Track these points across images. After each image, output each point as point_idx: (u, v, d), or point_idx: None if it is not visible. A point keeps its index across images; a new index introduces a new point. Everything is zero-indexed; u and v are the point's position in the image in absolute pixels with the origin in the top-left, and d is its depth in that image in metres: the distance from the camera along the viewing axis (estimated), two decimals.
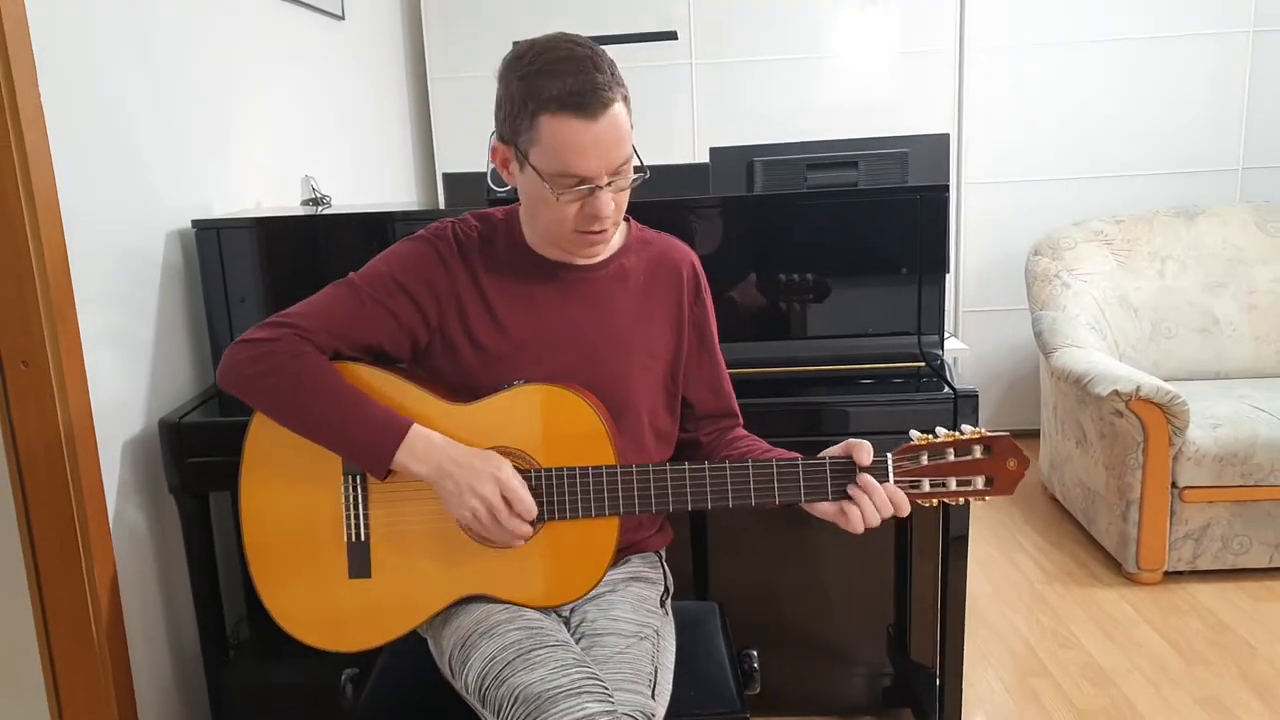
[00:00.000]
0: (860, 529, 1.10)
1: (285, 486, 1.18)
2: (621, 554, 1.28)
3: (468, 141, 3.18)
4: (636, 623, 1.20)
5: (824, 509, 1.13)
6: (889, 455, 1.11)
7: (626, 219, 1.26)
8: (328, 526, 1.17)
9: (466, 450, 1.11)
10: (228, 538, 1.71)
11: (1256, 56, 3.19)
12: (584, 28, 1.24)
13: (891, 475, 1.11)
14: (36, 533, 1.40)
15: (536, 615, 1.16)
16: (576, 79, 1.05)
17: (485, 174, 1.81)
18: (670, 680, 1.19)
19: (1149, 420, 2.31)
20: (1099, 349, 2.67)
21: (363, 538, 1.17)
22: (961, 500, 1.13)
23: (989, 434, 1.12)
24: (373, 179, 2.87)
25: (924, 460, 1.12)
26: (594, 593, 1.22)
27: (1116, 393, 2.31)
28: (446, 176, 2.82)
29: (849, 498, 1.10)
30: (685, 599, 1.48)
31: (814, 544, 1.81)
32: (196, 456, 1.53)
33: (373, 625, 1.18)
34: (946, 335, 1.77)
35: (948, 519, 1.60)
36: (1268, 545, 2.38)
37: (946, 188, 1.69)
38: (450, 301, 1.20)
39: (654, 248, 1.26)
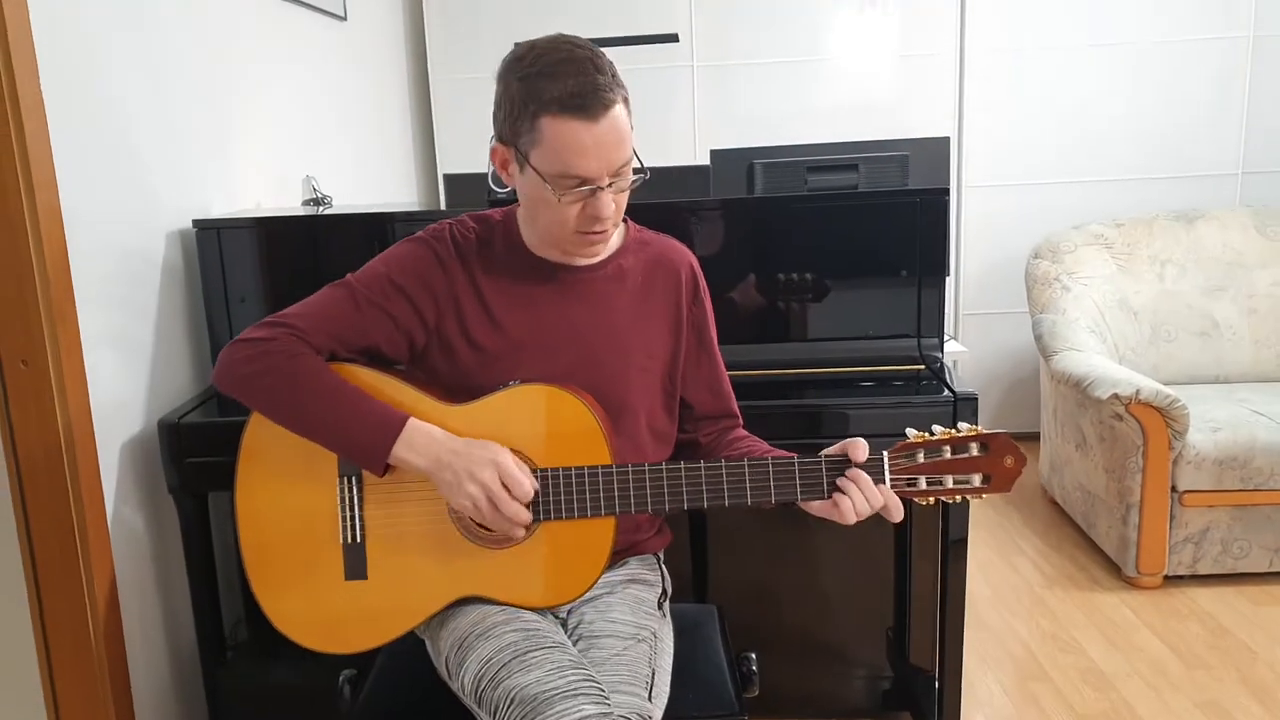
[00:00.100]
0: (851, 519, 1.10)
1: (281, 488, 1.18)
2: (619, 556, 1.28)
3: (469, 142, 3.19)
4: (634, 625, 1.20)
5: (818, 504, 1.13)
6: (885, 453, 1.11)
7: (625, 220, 1.26)
8: (324, 528, 1.17)
9: (465, 441, 1.11)
10: (226, 538, 1.70)
11: (1256, 61, 3.20)
12: (585, 30, 1.25)
13: (887, 473, 1.11)
14: (35, 532, 1.39)
15: (533, 617, 1.15)
16: (578, 80, 1.06)
17: (486, 175, 1.82)
18: (668, 683, 1.19)
19: (1149, 424, 2.31)
20: (1099, 352, 2.67)
21: (358, 539, 1.17)
22: (958, 498, 1.13)
23: (985, 432, 1.12)
24: (374, 179, 2.88)
25: (920, 458, 1.12)
26: (591, 594, 1.22)
27: (1116, 396, 2.31)
28: (447, 177, 2.82)
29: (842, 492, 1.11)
30: (684, 601, 1.48)
31: (813, 546, 1.81)
32: (195, 457, 1.53)
33: (369, 627, 1.18)
34: (946, 338, 1.77)
35: (947, 521, 1.60)
36: (1267, 549, 2.38)
37: (946, 191, 1.69)
38: (448, 303, 1.20)
39: (652, 248, 1.27)
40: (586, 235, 1.14)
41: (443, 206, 2.35)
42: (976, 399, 1.51)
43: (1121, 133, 3.26)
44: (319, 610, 1.17)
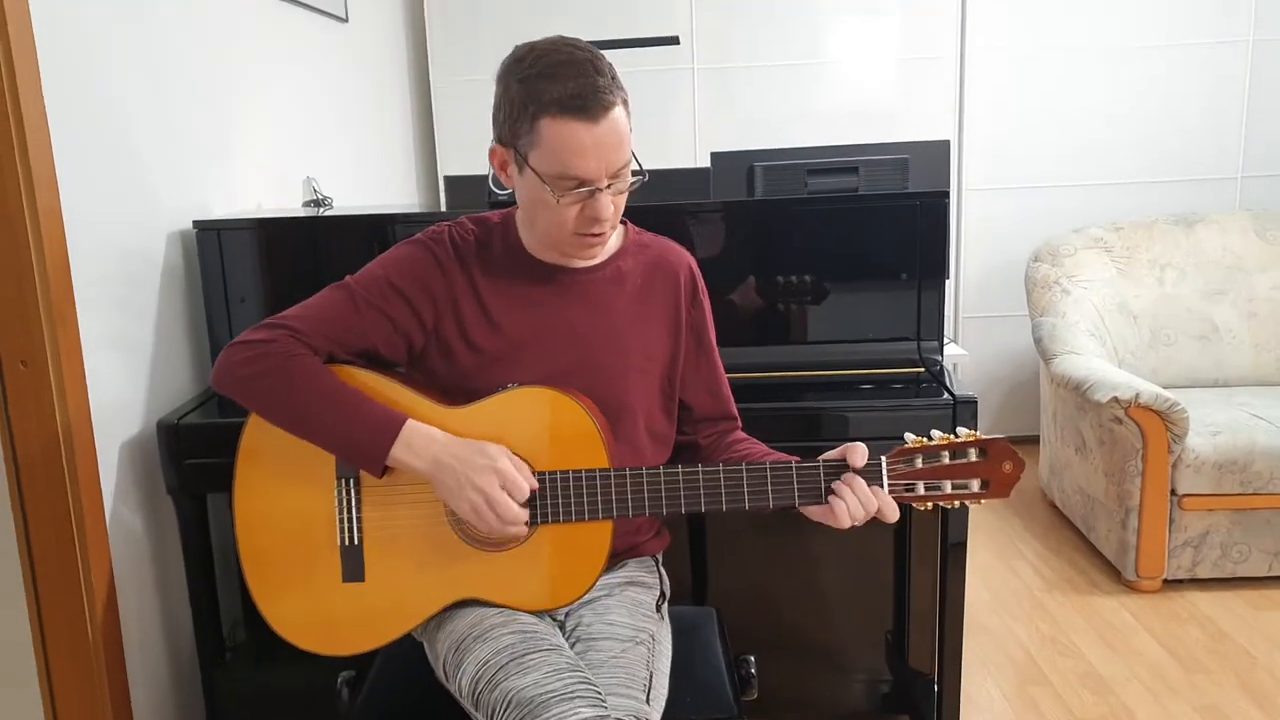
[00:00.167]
0: (846, 523, 1.10)
1: (279, 489, 1.18)
2: (617, 558, 1.28)
3: (469, 144, 3.19)
4: (632, 627, 1.20)
5: (813, 509, 1.13)
6: (883, 458, 1.11)
7: (624, 222, 1.26)
8: (321, 530, 1.17)
9: (464, 443, 1.11)
10: (225, 539, 1.70)
11: (1256, 66, 3.20)
12: (586, 32, 1.25)
13: (885, 478, 1.11)
14: (33, 533, 1.39)
15: (531, 619, 1.15)
16: (577, 82, 1.06)
17: (487, 177, 1.82)
18: (666, 685, 1.19)
19: (1148, 427, 2.30)
20: (1098, 356, 2.67)
21: (356, 541, 1.17)
22: (956, 503, 1.13)
23: (984, 437, 1.11)
24: (374, 181, 2.88)
25: (919, 463, 1.11)
26: (589, 597, 1.22)
27: (1116, 400, 2.31)
28: (448, 179, 2.82)
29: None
30: (683, 604, 1.47)
31: (812, 549, 1.81)
32: (194, 458, 1.52)
33: (366, 629, 1.18)
34: (946, 341, 1.77)
35: (946, 525, 1.60)
36: (1267, 553, 2.37)
37: (946, 194, 1.69)
38: (446, 305, 1.20)
39: (651, 251, 1.27)
40: (585, 237, 1.14)
41: (443, 208, 2.35)
42: (976, 402, 1.51)
43: (1121, 136, 3.26)
44: (316, 612, 1.17)
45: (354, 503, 1.17)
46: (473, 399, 1.16)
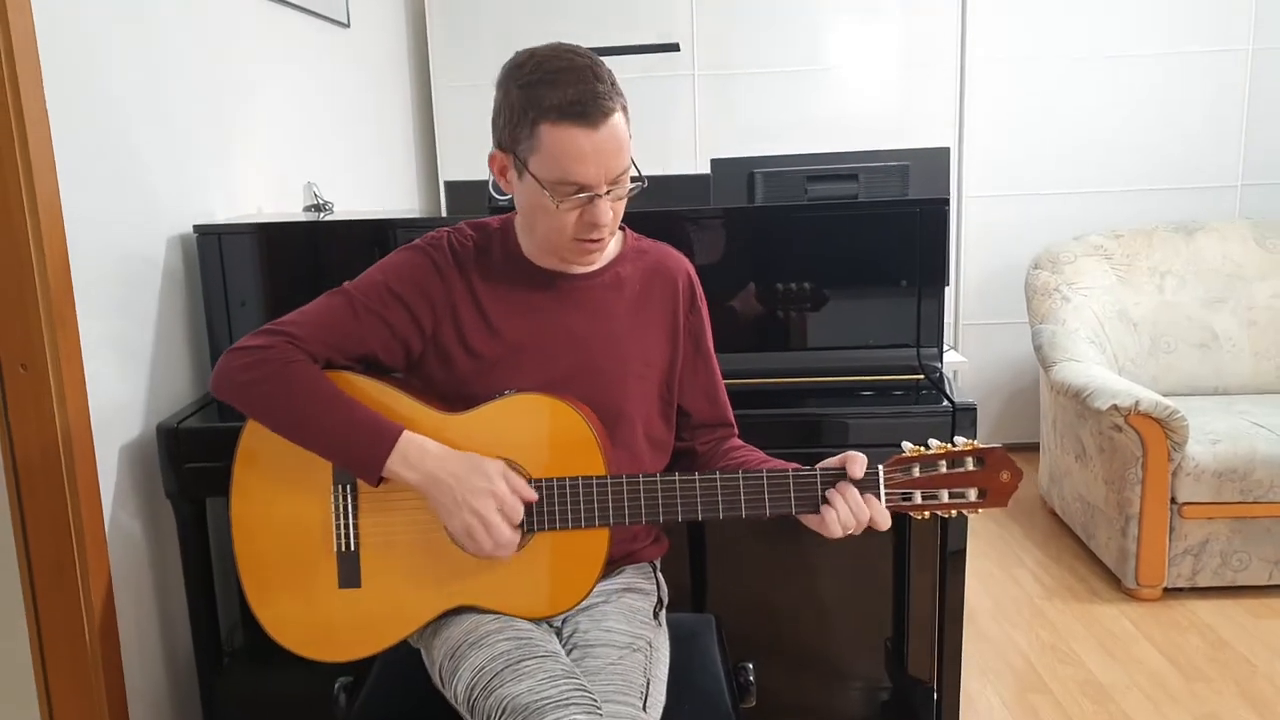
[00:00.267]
0: (837, 532, 1.10)
1: (276, 495, 1.18)
2: (615, 565, 1.28)
3: (470, 150, 3.19)
4: (629, 634, 1.19)
5: (808, 517, 1.13)
6: (880, 467, 1.11)
7: (622, 228, 1.27)
8: (318, 535, 1.17)
9: (462, 460, 1.10)
10: (224, 544, 1.70)
11: (1255, 74, 3.21)
12: (587, 38, 1.25)
13: (882, 487, 1.11)
14: (32, 536, 1.39)
15: (527, 626, 1.15)
16: (577, 88, 1.06)
17: (487, 182, 1.82)
18: (663, 692, 1.19)
19: (1148, 435, 2.30)
20: (1098, 363, 2.67)
21: (352, 547, 1.17)
22: (954, 512, 1.13)
23: (981, 446, 1.11)
24: (375, 186, 2.88)
25: (916, 472, 1.11)
26: (586, 603, 1.21)
27: (1115, 407, 2.31)
28: (448, 184, 2.83)
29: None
30: (681, 611, 1.47)
31: (811, 556, 1.80)
32: (194, 462, 1.52)
33: (363, 635, 1.17)
34: (946, 348, 1.77)
35: (945, 533, 1.59)
36: (1267, 562, 2.37)
37: (946, 201, 1.69)
38: (445, 310, 1.20)
39: (650, 256, 1.27)
40: (584, 243, 1.15)
41: (444, 213, 2.35)
42: (975, 409, 1.51)
43: (1121, 144, 3.27)
44: (313, 618, 1.17)
45: (351, 509, 1.17)
46: (470, 405, 1.16)
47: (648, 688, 1.14)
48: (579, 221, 1.12)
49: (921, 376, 1.67)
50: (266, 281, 1.74)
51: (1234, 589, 2.40)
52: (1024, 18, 3.22)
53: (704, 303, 1.30)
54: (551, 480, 1.13)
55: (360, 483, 1.16)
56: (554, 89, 1.06)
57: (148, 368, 1.61)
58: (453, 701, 1.12)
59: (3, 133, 1.28)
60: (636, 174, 1.14)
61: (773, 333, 1.71)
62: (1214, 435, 2.35)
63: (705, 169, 2.08)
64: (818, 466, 1.13)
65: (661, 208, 1.65)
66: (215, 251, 1.72)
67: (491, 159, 1.16)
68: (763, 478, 1.12)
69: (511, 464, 1.14)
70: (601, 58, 1.12)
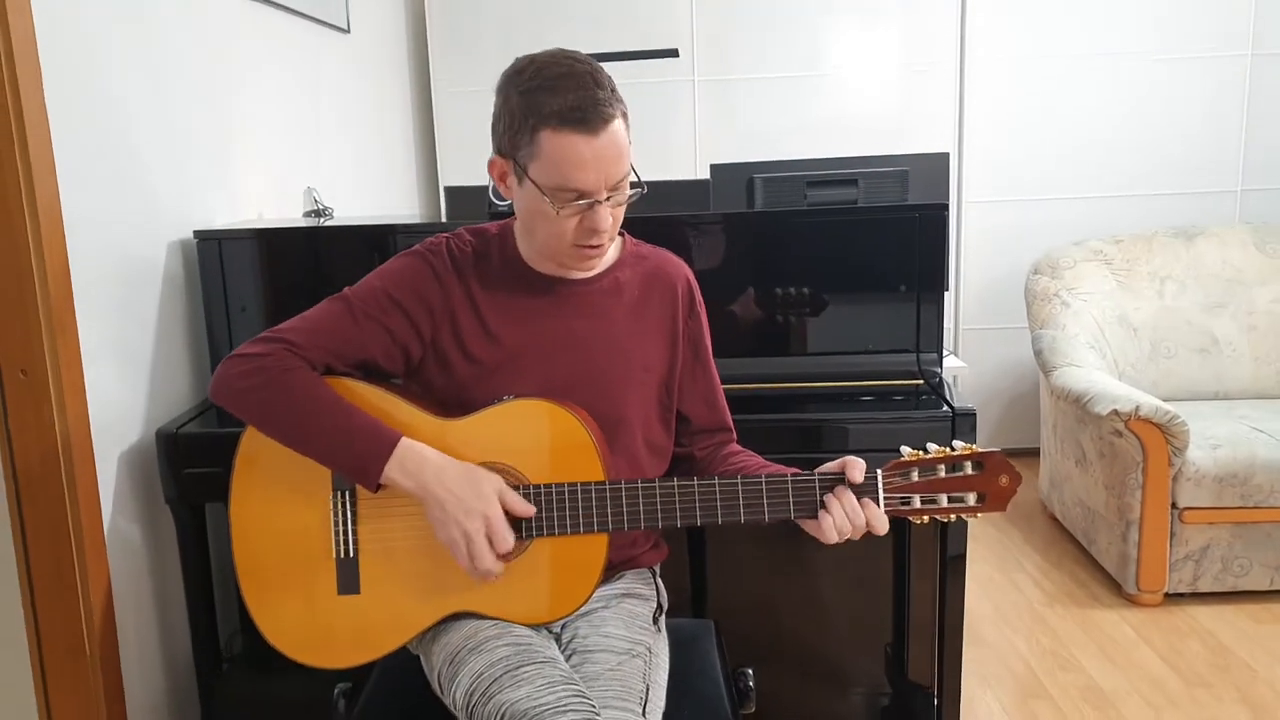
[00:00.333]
0: (833, 537, 1.10)
1: (276, 501, 1.17)
2: (614, 570, 1.28)
3: (470, 155, 3.20)
4: (628, 640, 1.19)
5: (806, 522, 1.13)
6: (878, 471, 1.11)
7: (621, 233, 1.27)
8: (317, 542, 1.17)
9: (461, 472, 1.10)
10: (223, 549, 1.70)
11: (1255, 80, 3.21)
12: (587, 44, 1.25)
13: (881, 491, 1.11)
14: (31, 542, 1.39)
15: (526, 631, 1.15)
16: (578, 95, 1.06)
17: (487, 188, 1.82)
18: (663, 698, 1.18)
19: (1148, 440, 2.30)
20: (1098, 368, 2.66)
21: (351, 554, 1.17)
22: (953, 517, 1.12)
23: (980, 450, 1.11)
24: (375, 191, 2.89)
25: (915, 476, 1.11)
26: (585, 609, 1.21)
27: (1116, 412, 2.31)
28: (448, 190, 2.83)
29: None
30: (681, 616, 1.47)
31: (811, 562, 1.80)
32: (193, 467, 1.52)
33: (362, 642, 1.17)
34: (946, 353, 1.77)
35: (945, 538, 1.59)
36: (1268, 567, 2.37)
37: (945, 206, 1.70)
38: (444, 316, 1.20)
39: (649, 262, 1.27)
40: (583, 249, 1.15)
41: (444, 219, 2.35)
42: (975, 414, 1.51)
43: (1121, 149, 3.27)
44: (311, 624, 1.17)
45: (350, 515, 1.17)
46: (469, 411, 1.16)
47: (647, 693, 1.14)
48: (578, 227, 1.12)
49: (921, 382, 1.67)
50: (267, 287, 1.74)
51: (1235, 594, 2.39)
52: (1023, 23, 3.22)
53: (703, 308, 1.30)
54: (550, 486, 1.13)
55: (359, 489, 1.16)
56: (554, 95, 1.07)
57: (147, 373, 1.61)
58: (452, 708, 1.12)
59: (3, 135, 1.28)
60: (636, 180, 1.14)
61: (772, 338, 1.71)
62: (1214, 440, 2.35)
63: (705, 174, 2.08)
64: (816, 471, 1.13)
65: (661, 213, 1.65)
66: (215, 257, 1.72)
67: (491, 165, 1.17)
68: (761, 483, 1.12)
69: (510, 470, 1.14)
70: (601, 64, 1.12)
